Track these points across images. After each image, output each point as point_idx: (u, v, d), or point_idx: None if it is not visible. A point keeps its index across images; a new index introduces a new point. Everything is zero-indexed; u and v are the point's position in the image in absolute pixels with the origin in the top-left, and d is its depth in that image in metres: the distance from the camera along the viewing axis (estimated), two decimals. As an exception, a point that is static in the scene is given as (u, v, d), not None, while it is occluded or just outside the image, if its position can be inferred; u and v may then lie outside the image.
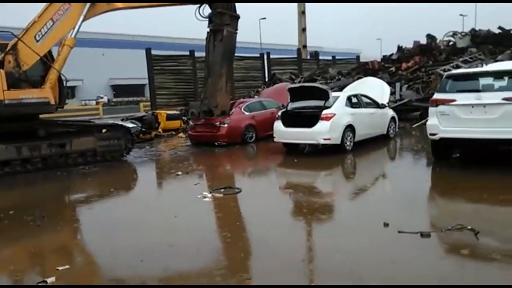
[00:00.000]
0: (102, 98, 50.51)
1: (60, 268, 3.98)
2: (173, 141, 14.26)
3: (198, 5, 12.06)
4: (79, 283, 3.73)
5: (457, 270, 3.64)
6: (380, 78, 15.43)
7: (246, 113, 12.67)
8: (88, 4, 9.87)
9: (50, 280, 3.71)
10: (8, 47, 9.39)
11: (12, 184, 8.54)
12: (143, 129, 14.87)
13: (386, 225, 4.69)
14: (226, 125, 12.08)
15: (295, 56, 26.29)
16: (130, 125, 13.98)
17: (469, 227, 4.34)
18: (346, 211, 5.71)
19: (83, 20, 9.90)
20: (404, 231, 4.41)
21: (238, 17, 12.45)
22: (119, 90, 56.13)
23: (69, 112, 27.60)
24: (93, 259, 4.45)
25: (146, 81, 22.95)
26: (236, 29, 12.45)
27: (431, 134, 7.54)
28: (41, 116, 10.12)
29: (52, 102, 9.61)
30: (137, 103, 40.35)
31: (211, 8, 12.09)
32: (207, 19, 12.27)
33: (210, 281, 3.59)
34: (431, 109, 7.50)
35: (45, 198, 7.31)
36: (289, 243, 4.41)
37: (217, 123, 12.14)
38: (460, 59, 15.80)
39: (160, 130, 15.57)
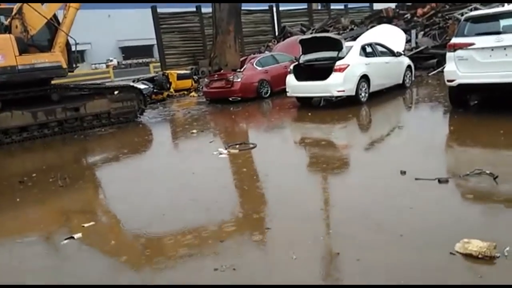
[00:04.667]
0: (111, 61, 50.13)
1: (85, 225, 4.13)
2: (186, 101, 14.24)
3: None
4: (104, 239, 3.87)
5: (476, 214, 3.64)
6: (395, 25, 14.89)
7: (259, 68, 12.52)
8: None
9: (77, 235, 3.86)
10: (14, 11, 9.28)
11: (31, 149, 8.73)
12: (155, 90, 14.84)
13: (403, 173, 4.69)
14: (239, 80, 12.04)
15: (305, 7, 25.41)
16: (141, 86, 13.95)
17: (488, 172, 4.30)
18: (362, 161, 5.69)
19: None
20: (421, 178, 4.40)
21: None
22: (128, 52, 55.48)
23: (80, 76, 27.59)
24: (117, 215, 4.59)
25: (154, 42, 22.61)
26: None
27: (448, 81, 7.32)
28: (53, 81, 10.15)
29: (64, 66, 9.63)
30: (147, 64, 40.06)
31: None
32: None
33: (230, 233, 3.68)
34: (449, 54, 7.23)
35: (65, 161, 7.49)
36: (306, 193, 4.46)
37: (231, 78, 12.10)
38: (479, 2, 15.03)
39: (172, 90, 15.53)
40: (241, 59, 14.11)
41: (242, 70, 12.31)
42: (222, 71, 12.51)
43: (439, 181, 4.34)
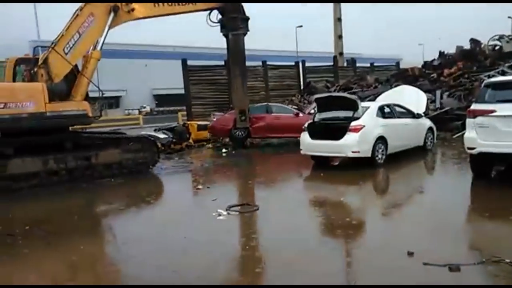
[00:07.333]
0: (144, 107, 52.00)
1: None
2: (202, 152, 14.17)
3: (208, 12, 12.29)
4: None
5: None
6: (420, 85, 14.61)
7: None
8: (111, 15, 9.97)
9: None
10: (40, 61, 9.61)
11: (37, 196, 8.52)
12: (174, 140, 14.87)
13: (410, 254, 4.18)
14: (214, 122, 15.04)
15: (331, 63, 25.65)
16: (161, 135, 14.05)
17: (508, 261, 3.75)
18: (369, 234, 5.22)
19: (108, 31, 10.03)
20: (429, 264, 3.88)
21: (247, 18, 12.71)
22: (161, 99, 57.49)
23: (111, 122, 28.53)
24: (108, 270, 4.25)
25: (186, 91, 23.25)
26: (246, 31, 12.79)
27: (469, 148, 6.87)
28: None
29: (90, 114, 9.78)
30: (178, 112, 41.10)
31: (221, 14, 12.38)
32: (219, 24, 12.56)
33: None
34: (469, 121, 6.85)
35: (66, 212, 7.26)
36: (306, 264, 4.10)
37: (212, 118, 15.31)
38: (507, 65, 14.62)
39: (191, 140, 15.52)
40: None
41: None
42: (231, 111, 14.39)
43: (450, 268, 3.81)
